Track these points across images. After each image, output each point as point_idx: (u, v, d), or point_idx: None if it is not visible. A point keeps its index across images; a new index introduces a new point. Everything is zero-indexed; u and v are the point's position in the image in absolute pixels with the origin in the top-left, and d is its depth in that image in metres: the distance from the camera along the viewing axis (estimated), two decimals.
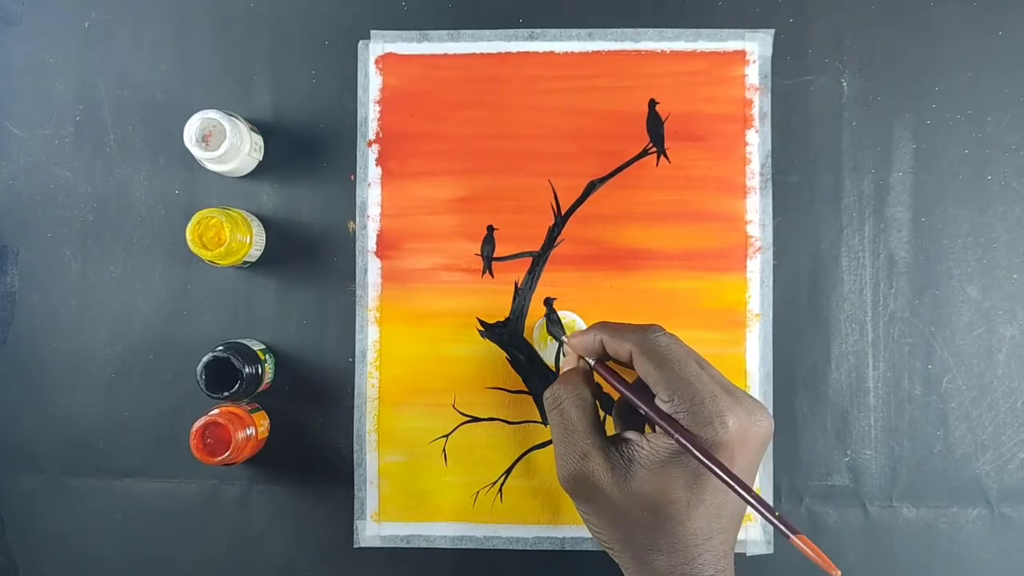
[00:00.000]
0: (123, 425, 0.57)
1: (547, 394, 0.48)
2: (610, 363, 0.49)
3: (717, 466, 0.40)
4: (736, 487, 0.40)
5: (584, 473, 0.44)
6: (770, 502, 0.56)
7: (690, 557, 0.42)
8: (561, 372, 0.50)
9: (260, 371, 0.54)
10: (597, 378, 0.49)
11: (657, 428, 0.44)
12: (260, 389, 0.55)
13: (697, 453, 0.41)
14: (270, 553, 0.57)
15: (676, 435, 0.42)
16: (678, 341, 0.45)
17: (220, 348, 0.53)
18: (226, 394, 0.52)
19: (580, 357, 0.49)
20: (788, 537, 0.39)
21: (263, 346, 0.57)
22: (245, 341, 0.56)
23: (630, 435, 0.45)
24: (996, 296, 0.57)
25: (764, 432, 0.43)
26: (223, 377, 0.52)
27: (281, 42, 0.58)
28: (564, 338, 0.50)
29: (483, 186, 0.58)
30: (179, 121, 0.53)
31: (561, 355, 0.57)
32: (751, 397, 0.44)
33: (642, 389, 0.45)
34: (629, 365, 0.46)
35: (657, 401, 0.43)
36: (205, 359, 0.52)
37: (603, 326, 0.47)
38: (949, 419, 0.57)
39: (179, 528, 0.57)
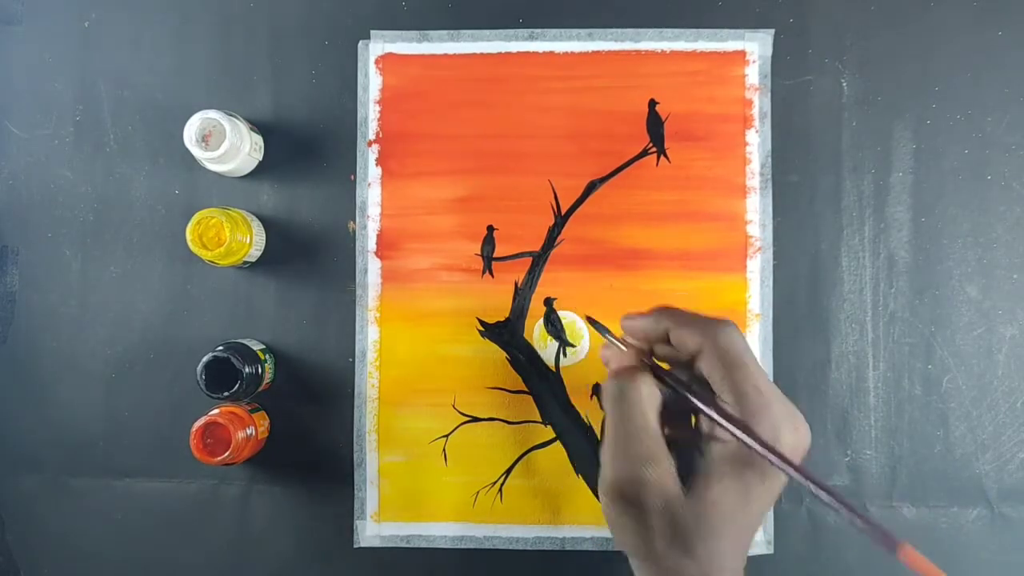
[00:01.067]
0: (123, 425, 0.57)
1: (610, 387, 0.42)
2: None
3: (806, 476, 0.38)
4: (825, 495, 0.38)
5: (646, 479, 0.40)
6: None
7: (718, 567, 0.40)
8: (615, 368, 0.44)
9: (260, 371, 0.54)
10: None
11: (718, 433, 0.40)
12: (260, 389, 0.55)
13: (780, 463, 0.38)
14: (270, 553, 0.57)
15: (756, 441, 0.38)
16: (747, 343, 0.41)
17: (220, 348, 0.53)
18: (226, 394, 0.52)
19: (637, 352, 0.44)
20: (892, 551, 0.36)
21: (263, 346, 0.57)
22: (245, 341, 0.56)
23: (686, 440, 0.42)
24: (996, 296, 0.57)
25: (806, 446, 0.40)
26: (223, 377, 0.52)
27: (281, 42, 0.58)
28: (622, 320, 0.43)
29: (483, 186, 0.58)
30: (179, 121, 0.53)
31: (561, 355, 0.57)
32: (795, 408, 0.41)
33: (699, 386, 0.41)
34: (690, 358, 0.42)
35: (720, 402, 0.40)
36: (205, 359, 0.52)
37: (669, 313, 0.42)
38: (949, 419, 0.57)
39: (179, 528, 0.57)
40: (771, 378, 0.57)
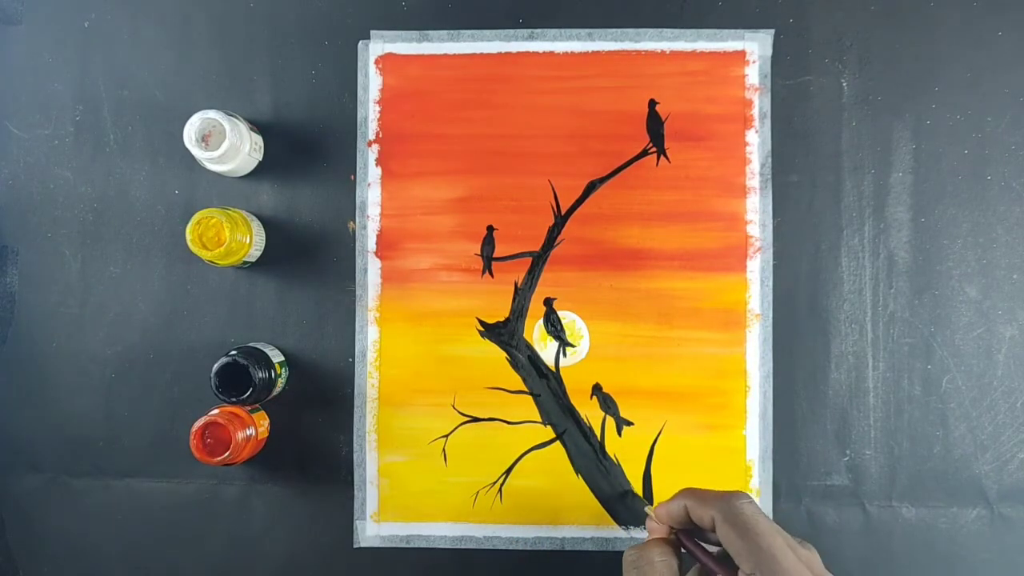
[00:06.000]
0: (123, 425, 0.57)
1: (630, 555, 0.45)
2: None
3: None
4: None
5: None
6: (769, 502, 0.56)
7: None
8: (648, 538, 0.48)
9: (272, 376, 0.54)
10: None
11: None
12: (270, 397, 0.55)
13: None
14: (270, 553, 0.57)
15: None
16: (764, 513, 0.43)
17: (235, 352, 0.53)
18: (235, 399, 0.52)
19: (667, 527, 0.47)
20: None
21: (283, 358, 0.56)
22: (263, 347, 0.56)
23: None
24: (996, 296, 0.57)
25: None
26: (235, 380, 0.52)
27: (281, 42, 0.58)
28: (648, 510, 0.48)
29: (483, 186, 0.58)
30: (179, 121, 0.53)
31: (561, 355, 0.57)
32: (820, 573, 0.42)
33: (726, 560, 0.43)
34: (712, 532, 0.44)
35: (740, 575, 0.41)
36: (220, 362, 0.52)
37: (688, 493, 0.46)
38: (949, 419, 0.57)
39: (179, 528, 0.57)
40: (771, 379, 0.57)
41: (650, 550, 0.45)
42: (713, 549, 0.45)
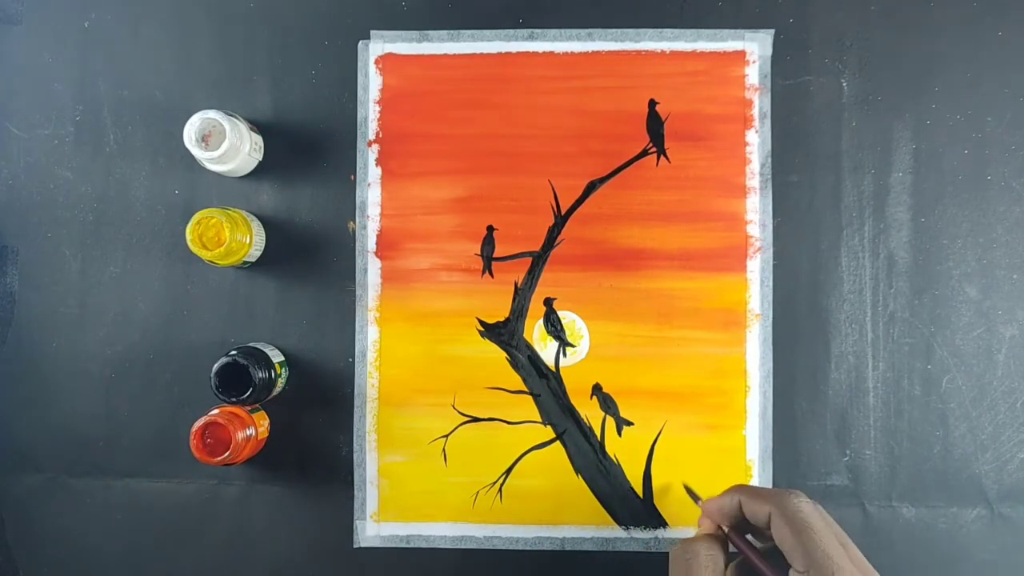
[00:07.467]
0: (123, 425, 0.57)
1: (677, 550, 0.45)
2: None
3: None
4: None
5: None
6: None
7: None
8: (697, 534, 0.48)
9: (272, 376, 0.54)
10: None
11: None
12: (270, 397, 0.55)
13: None
14: (270, 553, 0.57)
15: None
16: (821, 512, 0.43)
17: (235, 352, 0.53)
18: (235, 399, 0.52)
19: (714, 522, 0.48)
20: None
21: (283, 358, 0.56)
22: (263, 347, 0.56)
23: None
24: (996, 296, 0.57)
25: None
26: (236, 380, 0.52)
27: (281, 42, 0.58)
28: (699, 503, 0.48)
29: (483, 186, 0.58)
30: (179, 121, 0.53)
31: (561, 355, 0.57)
32: (870, 572, 0.42)
33: (774, 557, 0.43)
34: (766, 529, 0.44)
35: (792, 573, 0.41)
36: (220, 362, 0.52)
37: (741, 488, 0.46)
38: (949, 419, 0.57)
39: (179, 528, 0.57)
40: (771, 379, 0.57)
41: (697, 544, 0.45)
42: (759, 545, 0.45)
